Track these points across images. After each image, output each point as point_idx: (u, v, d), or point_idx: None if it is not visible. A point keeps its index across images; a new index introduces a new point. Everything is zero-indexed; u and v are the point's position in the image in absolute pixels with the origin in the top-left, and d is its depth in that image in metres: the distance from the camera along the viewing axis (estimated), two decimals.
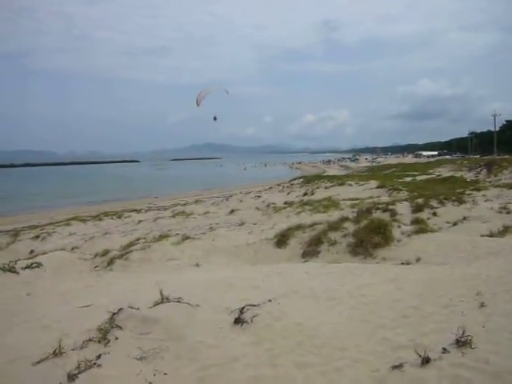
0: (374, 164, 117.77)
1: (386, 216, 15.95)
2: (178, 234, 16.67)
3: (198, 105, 23.55)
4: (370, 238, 11.48)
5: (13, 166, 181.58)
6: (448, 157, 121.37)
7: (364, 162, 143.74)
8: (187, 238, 14.77)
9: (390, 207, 18.08)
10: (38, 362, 4.68)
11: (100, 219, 29.45)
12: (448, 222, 15.86)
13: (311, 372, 4.08)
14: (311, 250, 11.94)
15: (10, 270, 11.07)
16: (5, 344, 5.87)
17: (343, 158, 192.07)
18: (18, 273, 11.11)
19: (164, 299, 5.94)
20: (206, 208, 31.03)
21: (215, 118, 26.32)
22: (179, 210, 30.45)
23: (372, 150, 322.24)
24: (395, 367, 3.93)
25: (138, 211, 33.49)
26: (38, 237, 22.00)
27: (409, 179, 40.75)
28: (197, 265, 11.86)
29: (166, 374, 4.18)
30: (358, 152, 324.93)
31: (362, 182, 35.16)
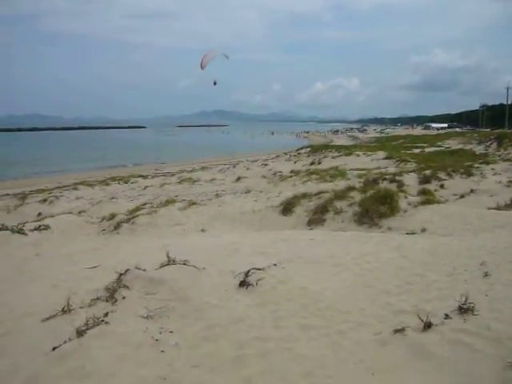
0: (383, 135, 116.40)
1: (392, 186, 15.94)
2: (184, 200, 16.77)
3: (202, 68, 23.33)
4: (376, 207, 11.50)
5: (19, 130, 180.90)
6: (458, 129, 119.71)
7: (372, 132, 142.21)
8: (193, 203, 14.87)
9: (397, 178, 18.05)
10: (48, 319, 4.79)
11: (107, 184, 29.60)
12: (455, 195, 15.84)
13: (315, 334, 4.15)
14: (317, 218, 11.98)
15: (18, 232, 11.24)
16: (15, 301, 6.00)
17: (351, 129, 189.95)
18: (26, 234, 11.29)
19: (170, 261, 6.02)
20: (212, 175, 31.11)
21: (215, 83, 26.09)
22: (186, 177, 30.55)
23: (380, 121, 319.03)
24: (397, 331, 3.99)
25: (144, 177, 33.61)
26: (45, 200, 22.16)
27: (417, 151, 40.44)
28: (202, 230, 11.97)
29: (171, 331, 4.27)
30: (366, 122, 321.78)
31: (369, 153, 34.98)
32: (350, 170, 24.30)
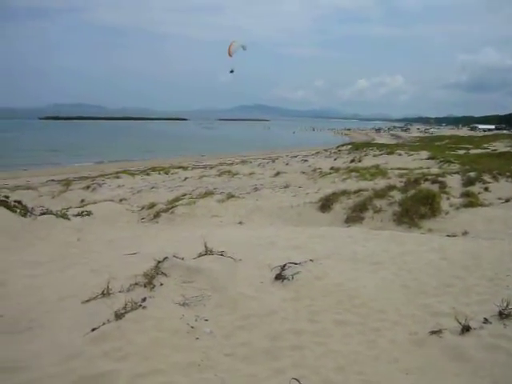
0: (427, 135, 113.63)
1: (435, 187, 15.55)
2: (222, 193, 16.90)
3: (230, 55, 23.22)
4: (417, 207, 11.30)
5: (67, 118, 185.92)
6: (506, 131, 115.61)
7: (416, 132, 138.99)
8: (232, 196, 14.97)
9: (440, 179, 17.58)
10: (88, 301, 4.95)
11: (148, 174, 30.11)
12: (500, 198, 15.29)
13: (349, 330, 4.13)
14: (355, 216, 11.87)
15: (62, 216, 11.58)
16: (57, 283, 6.23)
17: (394, 127, 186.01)
18: (69, 219, 11.61)
19: (208, 251, 6.10)
20: (251, 169, 31.18)
21: (232, 71, 25.55)
22: (225, 170, 30.74)
23: (425, 120, 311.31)
24: (434, 332, 3.93)
25: (184, 168, 34.05)
26: (88, 187, 22.79)
27: (462, 152, 39.30)
28: (240, 223, 12.05)
29: (207, 320, 4.34)
30: (409, 121, 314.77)
31: (412, 152, 34.23)
32: (391, 169, 23.86)
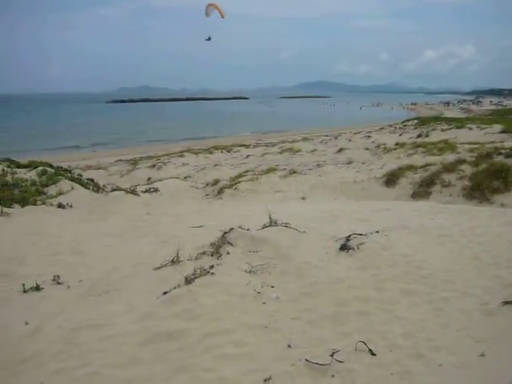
0: (500, 107, 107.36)
1: (509, 162, 14.80)
2: (285, 169, 16.90)
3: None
4: (489, 182, 10.79)
5: (132, 101, 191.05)
6: None
7: (488, 104, 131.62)
8: (294, 172, 14.93)
9: None
10: (159, 268, 5.21)
11: (210, 152, 30.63)
12: None
13: (417, 299, 4.08)
14: (422, 191, 11.51)
15: (132, 193, 12.10)
16: (130, 252, 6.56)
17: (464, 100, 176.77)
18: (138, 195, 12.10)
19: (272, 223, 6.17)
20: (313, 146, 30.87)
21: (209, 39, 23.98)
22: (287, 147, 30.63)
23: (498, 93, 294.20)
24: (507, 303, 3.80)
25: (246, 146, 34.27)
26: (154, 166, 23.53)
27: None
28: (303, 198, 12.04)
29: (272, 286, 4.44)
30: (480, 94, 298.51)
31: (483, 126, 32.51)
32: (461, 143, 22.87)
